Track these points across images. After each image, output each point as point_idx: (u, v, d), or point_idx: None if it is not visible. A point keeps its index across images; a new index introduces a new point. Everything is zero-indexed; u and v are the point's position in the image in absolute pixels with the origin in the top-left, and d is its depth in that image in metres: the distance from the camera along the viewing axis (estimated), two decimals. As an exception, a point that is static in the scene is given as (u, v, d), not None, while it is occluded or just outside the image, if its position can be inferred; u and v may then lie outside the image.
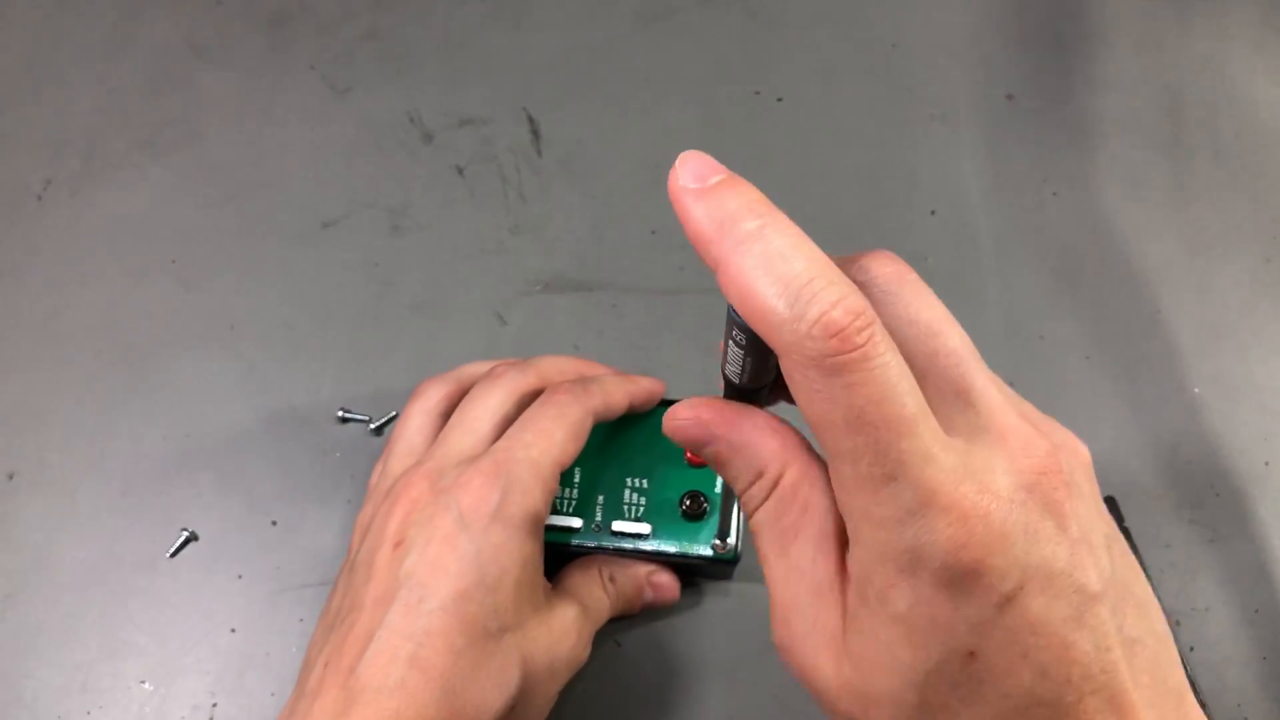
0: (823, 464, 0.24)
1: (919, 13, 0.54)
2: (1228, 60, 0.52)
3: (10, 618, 0.40)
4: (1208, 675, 0.40)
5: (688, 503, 0.38)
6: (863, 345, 0.20)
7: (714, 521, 0.38)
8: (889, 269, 0.24)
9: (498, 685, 0.31)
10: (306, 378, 0.45)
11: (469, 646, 0.30)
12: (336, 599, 0.33)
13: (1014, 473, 0.22)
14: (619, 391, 0.37)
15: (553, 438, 0.34)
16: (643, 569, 0.39)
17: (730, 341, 0.24)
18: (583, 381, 0.36)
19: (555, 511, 0.39)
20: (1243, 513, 0.43)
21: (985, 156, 0.50)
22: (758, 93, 0.52)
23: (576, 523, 0.38)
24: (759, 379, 0.25)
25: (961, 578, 0.20)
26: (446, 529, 0.31)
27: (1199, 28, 0.53)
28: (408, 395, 0.39)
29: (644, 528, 0.38)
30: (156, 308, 0.46)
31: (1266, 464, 0.44)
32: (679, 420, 0.26)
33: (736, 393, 0.26)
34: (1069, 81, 0.52)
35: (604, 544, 0.38)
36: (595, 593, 0.37)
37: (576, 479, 0.39)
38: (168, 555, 0.42)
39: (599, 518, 0.39)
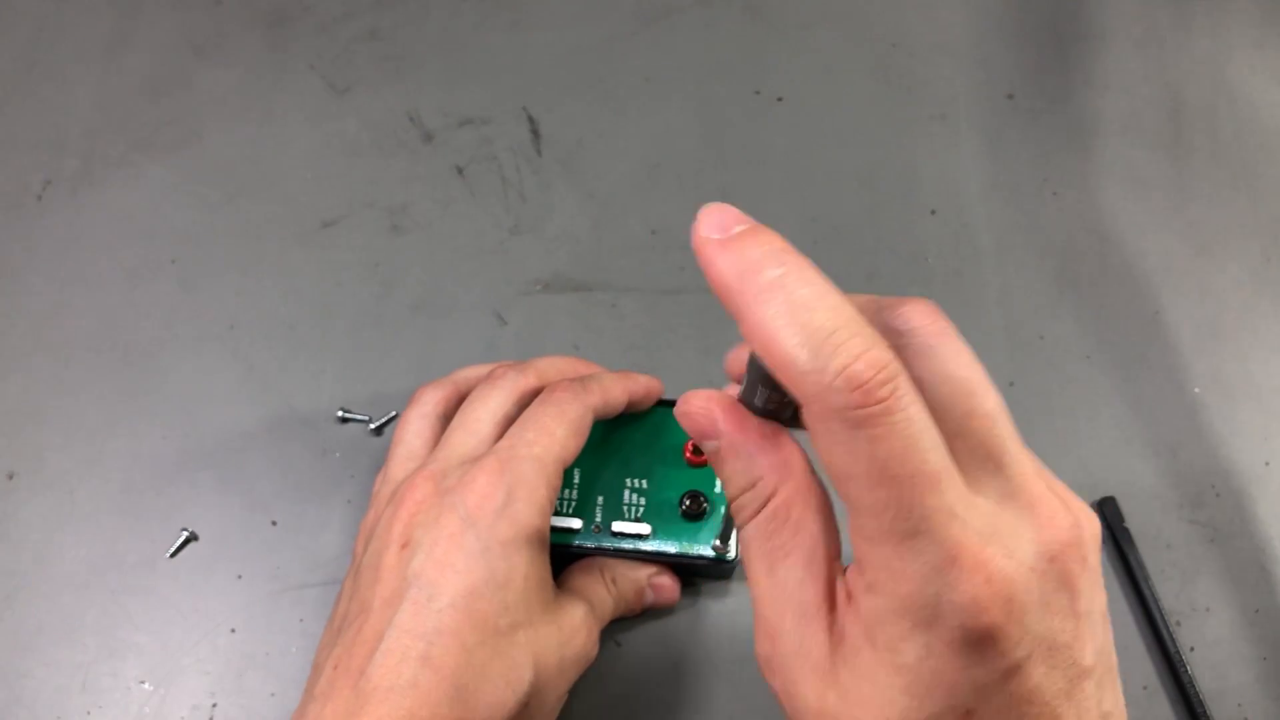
0: (821, 487, 0.24)
1: (919, 13, 0.54)
2: (1228, 60, 0.52)
3: (10, 618, 0.40)
4: (1208, 675, 0.40)
5: (688, 503, 0.38)
6: (886, 399, 0.20)
7: (714, 522, 0.38)
8: (929, 322, 0.23)
9: (510, 683, 0.30)
10: (306, 378, 0.45)
11: (480, 644, 0.30)
12: (343, 603, 0.33)
13: (1039, 543, 0.21)
14: (617, 389, 0.37)
15: (554, 435, 0.34)
16: (644, 570, 0.39)
17: (749, 379, 0.24)
18: (581, 379, 0.36)
19: (555, 512, 0.39)
20: (1243, 513, 0.43)
21: (985, 156, 0.50)
22: (758, 93, 0.52)
23: (576, 523, 0.38)
24: (777, 415, 0.25)
25: (978, 640, 0.20)
26: (453, 528, 0.31)
27: (1199, 28, 0.53)
28: (408, 395, 0.39)
29: (644, 528, 0.38)
30: (156, 308, 0.46)
31: (1266, 464, 0.44)
32: (691, 407, 0.26)
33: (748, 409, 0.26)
34: (1069, 81, 0.52)
35: (604, 545, 0.38)
36: (599, 592, 0.37)
37: (576, 480, 0.39)
38: (168, 555, 0.41)
39: (599, 518, 0.39)
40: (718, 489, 0.39)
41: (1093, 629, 0.22)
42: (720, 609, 0.41)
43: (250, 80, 0.52)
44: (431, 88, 0.51)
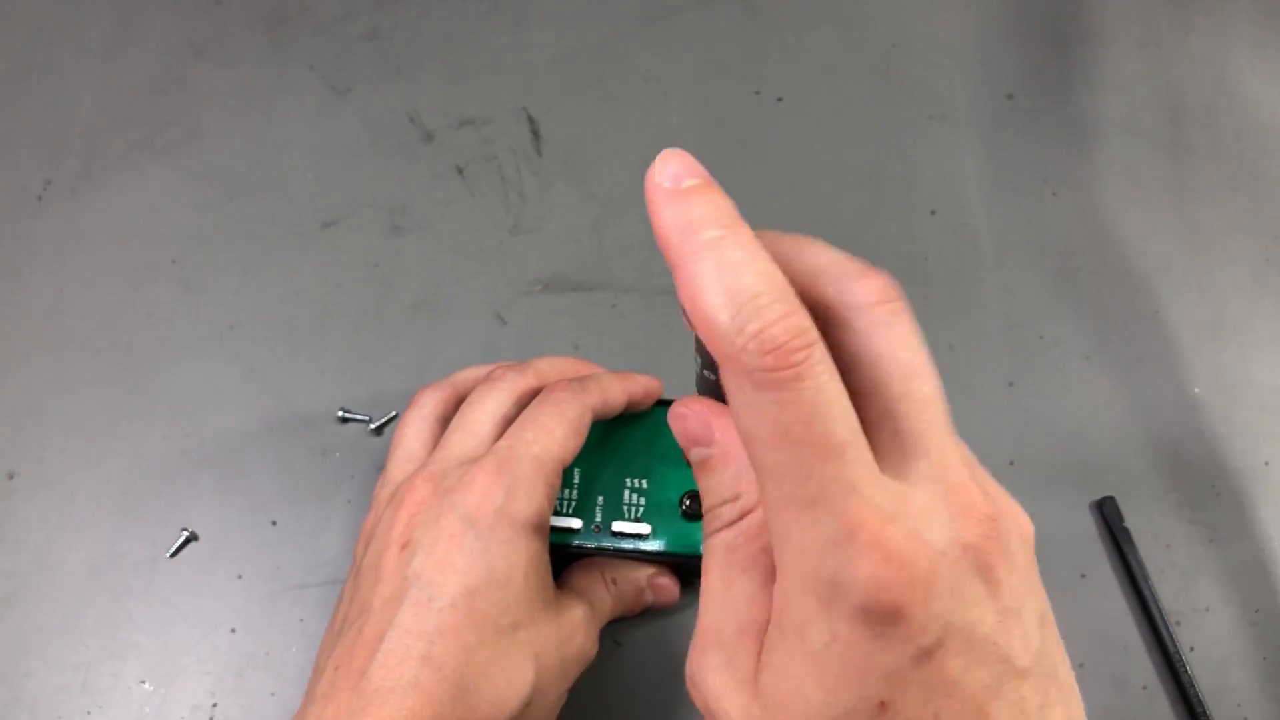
0: None
1: (919, 13, 0.54)
2: (1228, 60, 0.52)
3: (10, 618, 0.40)
4: (1208, 675, 0.40)
5: (687, 503, 0.38)
6: (798, 365, 0.20)
7: (714, 521, 0.38)
8: (883, 300, 0.24)
9: (512, 682, 0.30)
10: (306, 378, 0.45)
11: (482, 643, 0.30)
12: (344, 605, 0.33)
13: (952, 528, 0.21)
14: (616, 389, 0.37)
15: (553, 434, 0.34)
16: (643, 571, 0.39)
17: (696, 346, 0.24)
18: (580, 379, 0.36)
19: (555, 512, 0.39)
20: (1243, 513, 0.43)
21: (985, 156, 0.50)
22: (758, 93, 0.52)
23: (576, 523, 0.38)
24: (711, 393, 0.25)
25: (880, 619, 0.20)
26: (453, 528, 0.31)
27: (1199, 28, 0.53)
28: (409, 395, 0.39)
29: (644, 528, 0.38)
30: (157, 308, 0.46)
31: (1266, 464, 0.44)
32: (686, 411, 0.26)
33: (709, 391, 0.26)
34: (1069, 81, 0.52)
35: (604, 545, 0.38)
36: (599, 591, 0.37)
37: (576, 480, 0.39)
38: (168, 555, 0.42)
39: (599, 518, 0.39)
40: (718, 489, 0.39)
41: (1024, 628, 0.21)
42: (720, 609, 0.41)
43: (250, 80, 0.52)
44: (432, 88, 0.51)
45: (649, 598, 0.39)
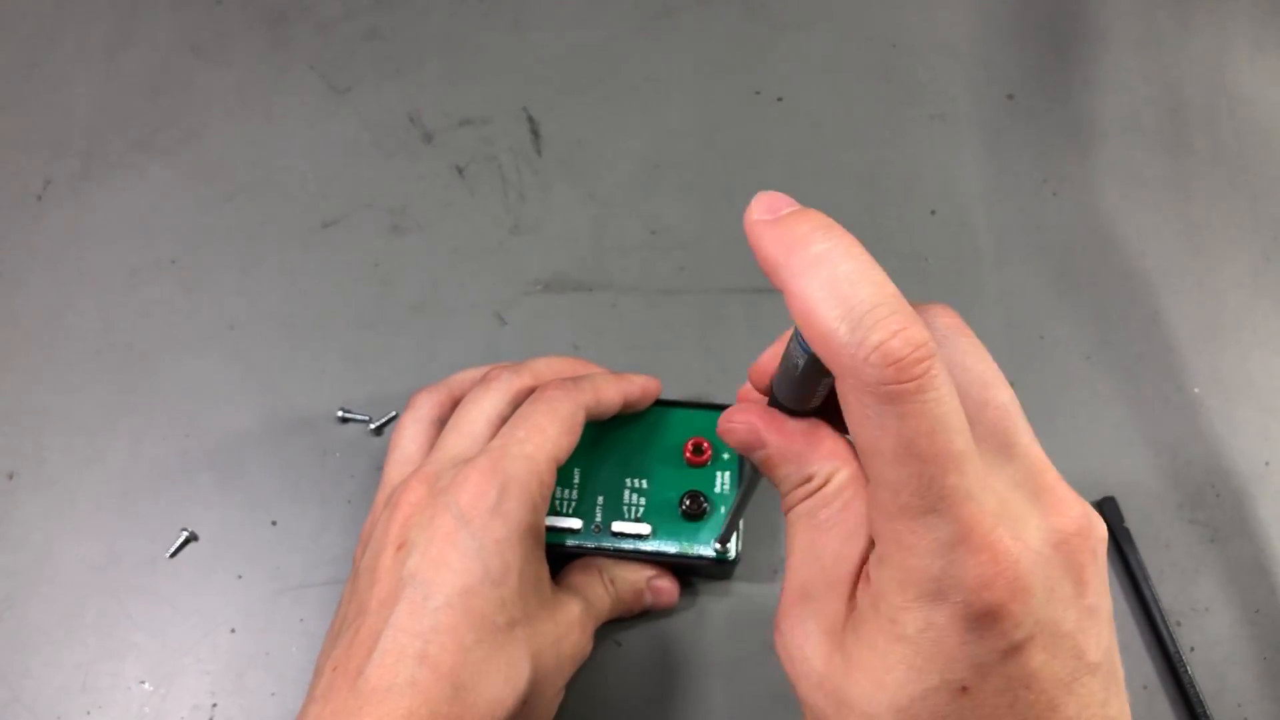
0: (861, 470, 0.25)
1: (919, 12, 0.54)
2: (1227, 60, 0.52)
3: (10, 618, 0.40)
4: (1208, 675, 0.40)
5: (687, 503, 0.38)
6: (919, 377, 0.20)
7: (714, 521, 0.38)
8: (950, 320, 0.25)
9: (509, 680, 0.31)
10: (306, 378, 0.45)
11: (478, 642, 0.30)
12: (343, 607, 0.34)
13: (1047, 529, 0.22)
14: (611, 388, 0.37)
15: (546, 433, 0.34)
16: (643, 572, 0.39)
17: (785, 364, 0.24)
18: (575, 378, 0.37)
19: (555, 512, 0.39)
20: (1243, 513, 0.43)
21: (985, 156, 0.50)
22: (758, 93, 0.52)
23: (576, 523, 0.38)
24: (805, 404, 0.25)
25: (979, 616, 0.21)
26: (447, 528, 0.31)
27: (1199, 28, 0.53)
28: (408, 395, 0.39)
29: (644, 528, 0.38)
30: (156, 308, 0.46)
31: (1266, 464, 0.44)
32: (733, 424, 0.26)
33: (782, 412, 0.27)
34: (1069, 81, 0.52)
35: (604, 544, 0.38)
36: (597, 590, 0.37)
37: (576, 480, 0.39)
38: (168, 555, 0.42)
39: (599, 518, 0.39)
40: (717, 489, 0.39)
41: (1098, 626, 0.22)
42: (720, 609, 0.41)
43: (250, 80, 0.52)
44: (432, 88, 0.51)
45: (648, 599, 0.39)
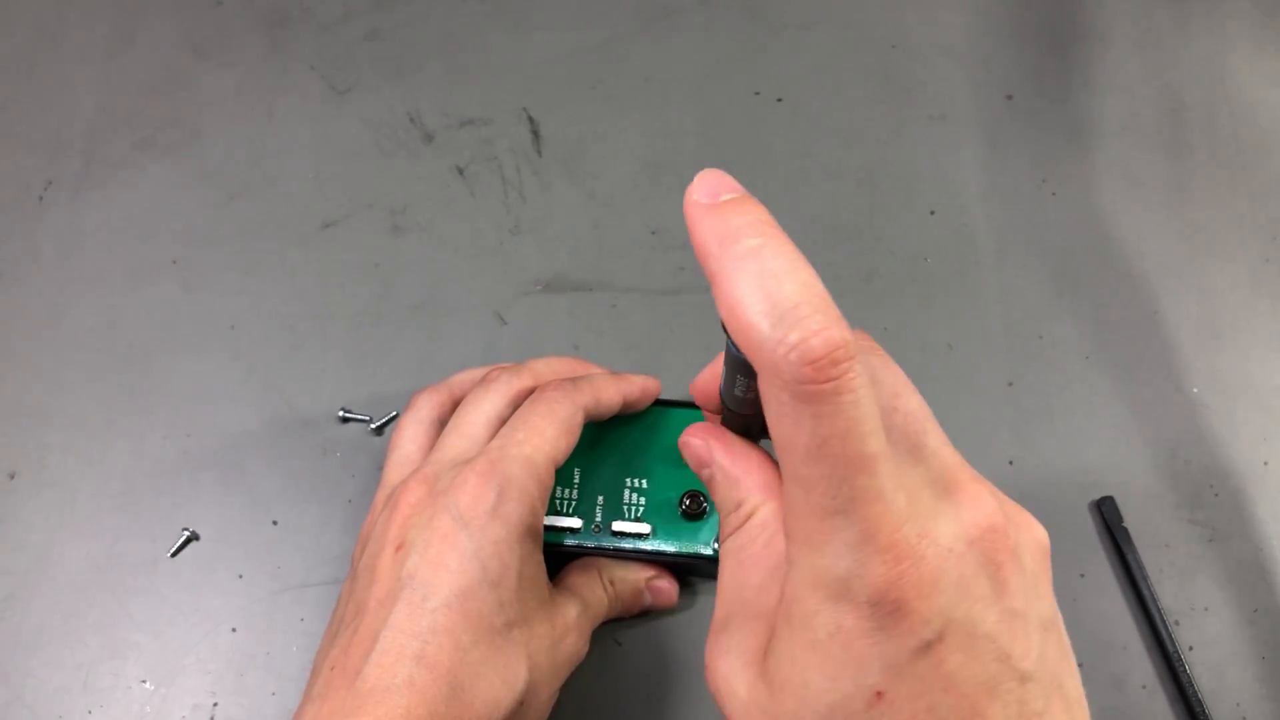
0: None
1: (918, 13, 0.54)
2: (1227, 61, 0.53)
3: (10, 618, 0.41)
4: (1208, 675, 0.40)
5: (687, 502, 0.38)
6: (837, 378, 0.20)
7: (714, 521, 0.38)
8: (861, 339, 0.25)
9: (506, 681, 0.31)
10: (307, 378, 0.45)
11: (475, 643, 0.30)
12: (341, 607, 0.34)
13: (958, 524, 0.22)
14: (610, 389, 0.37)
15: (545, 434, 0.34)
16: (642, 573, 0.39)
17: (726, 356, 0.25)
18: (574, 379, 0.37)
19: (555, 512, 0.39)
20: (1242, 512, 0.43)
21: (985, 157, 0.50)
22: (758, 93, 0.52)
23: (576, 523, 0.38)
24: (739, 405, 0.26)
25: (885, 614, 0.21)
26: (446, 528, 0.31)
27: (1198, 28, 0.53)
28: (409, 395, 0.39)
29: (644, 528, 0.38)
30: (157, 308, 0.46)
31: (1265, 464, 0.44)
32: (691, 440, 0.27)
33: (731, 416, 0.27)
34: (1068, 82, 0.52)
35: (604, 544, 0.38)
36: (595, 591, 0.37)
37: (576, 479, 0.39)
38: (168, 555, 0.42)
39: (599, 518, 0.39)
40: (717, 489, 0.39)
41: (1027, 631, 0.22)
42: (720, 608, 0.41)
43: (251, 81, 0.52)
44: (432, 88, 0.51)
45: (647, 599, 0.39)
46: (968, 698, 0.21)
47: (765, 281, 0.21)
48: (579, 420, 0.35)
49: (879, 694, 0.21)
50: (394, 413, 0.44)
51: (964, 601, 0.21)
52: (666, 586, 0.39)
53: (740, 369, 0.24)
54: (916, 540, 0.21)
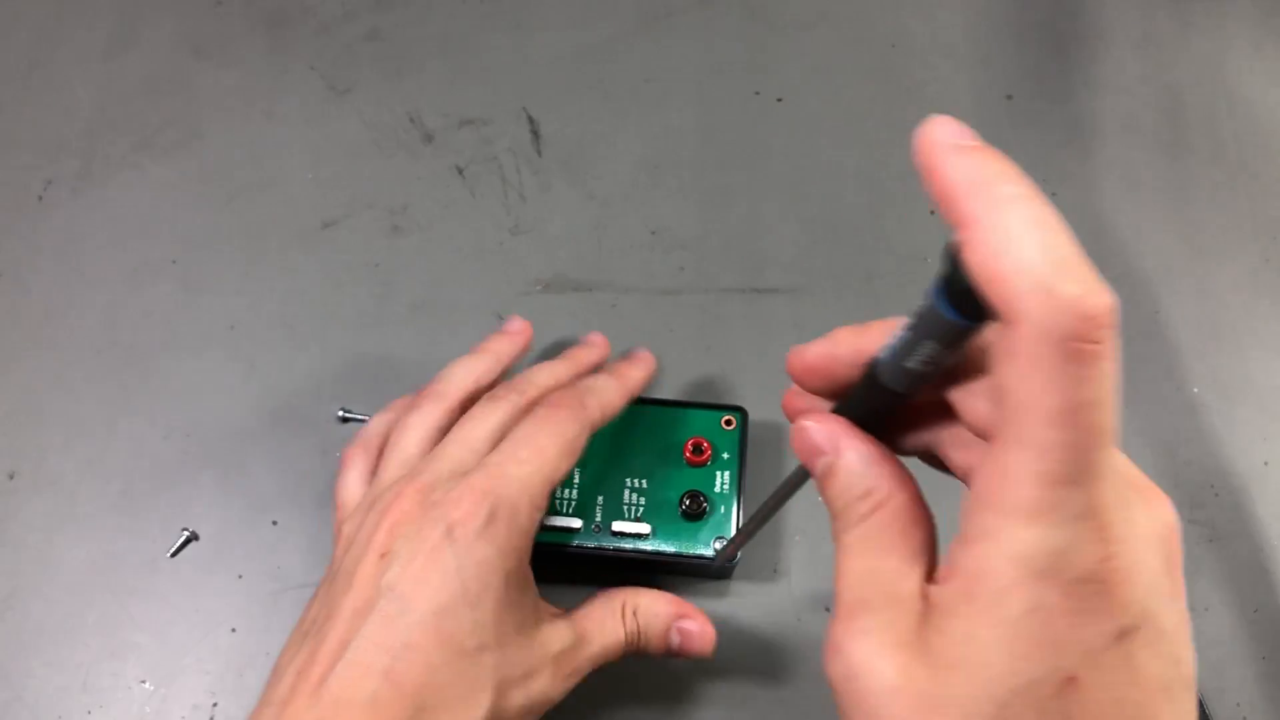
0: (928, 507, 0.24)
1: (918, 13, 0.54)
2: (1227, 61, 0.53)
3: (10, 618, 0.41)
4: (1208, 675, 0.40)
5: (687, 502, 0.38)
6: (1102, 342, 0.19)
7: (714, 521, 0.39)
8: None
9: (472, 704, 0.30)
10: (306, 378, 0.45)
11: (445, 664, 0.30)
12: (314, 608, 0.33)
13: (1149, 518, 0.22)
14: (617, 397, 0.37)
15: (546, 455, 0.33)
16: (672, 609, 0.36)
17: (916, 321, 0.22)
18: (581, 391, 0.36)
19: (555, 512, 0.39)
20: (1241, 512, 0.43)
21: (985, 157, 0.50)
22: (758, 93, 0.52)
23: (576, 523, 0.38)
24: (911, 379, 0.23)
25: (1090, 594, 0.20)
26: (434, 542, 0.31)
27: (1198, 28, 0.53)
28: (409, 395, 0.39)
29: (644, 528, 0.38)
30: (157, 308, 0.46)
31: (1265, 464, 0.44)
32: (810, 426, 0.25)
33: (854, 405, 0.25)
34: (1068, 82, 0.52)
35: (604, 544, 0.38)
36: (608, 623, 0.35)
37: (577, 479, 0.39)
38: (168, 555, 0.42)
39: (599, 518, 0.39)
40: (717, 489, 0.39)
41: (1190, 638, 0.21)
42: (720, 609, 0.41)
43: (251, 81, 0.52)
44: (432, 88, 0.51)
45: (675, 641, 0.36)
46: (1149, 696, 0.20)
47: (1039, 228, 0.19)
48: (584, 441, 0.35)
49: (1071, 679, 0.20)
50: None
51: (1154, 595, 0.20)
52: (696, 631, 0.36)
53: (937, 334, 0.22)
54: (1123, 525, 0.20)
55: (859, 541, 0.24)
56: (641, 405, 0.41)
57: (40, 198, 0.49)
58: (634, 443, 0.40)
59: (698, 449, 0.39)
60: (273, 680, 0.31)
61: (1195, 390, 0.45)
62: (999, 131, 0.50)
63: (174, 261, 0.47)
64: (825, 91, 0.52)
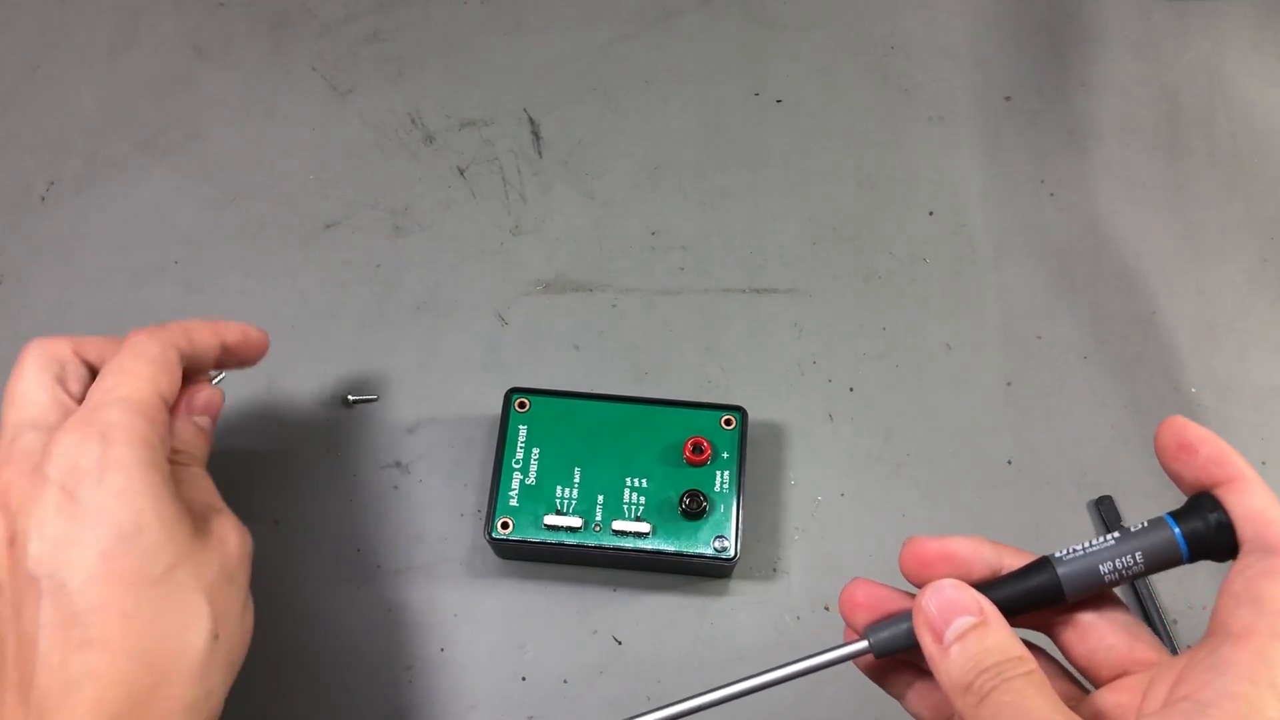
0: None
1: (917, 14, 0.54)
2: (1224, 62, 0.53)
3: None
4: (1204, 673, 0.40)
5: (687, 502, 0.38)
6: None
7: (714, 521, 0.39)
8: None
9: (188, 625, 0.29)
10: (308, 378, 0.45)
11: (142, 602, 0.28)
12: None
13: None
14: (203, 329, 0.35)
15: (138, 374, 0.32)
16: (213, 340, 0.36)
17: (1123, 546, 0.28)
18: (159, 325, 0.34)
19: (556, 511, 0.39)
20: (1239, 512, 0.43)
21: (983, 158, 0.50)
22: (757, 94, 0.52)
23: (576, 522, 0.39)
24: (1093, 588, 0.28)
25: None
26: (57, 501, 0.29)
27: (1196, 30, 0.54)
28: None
29: (644, 527, 0.38)
30: (159, 308, 0.46)
31: (1264, 464, 0.44)
32: (955, 592, 0.27)
33: (1033, 594, 0.27)
34: (1067, 83, 0.52)
35: (604, 543, 0.38)
36: (189, 437, 0.35)
37: (576, 479, 0.39)
38: (170, 554, 0.42)
39: (599, 517, 0.39)
40: (717, 488, 0.39)
41: None
42: (720, 609, 0.41)
43: (253, 82, 0.52)
44: (433, 90, 0.52)
45: (231, 336, 0.36)
46: None
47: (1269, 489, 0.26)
48: (173, 357, 0.33)
49: None
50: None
51: None
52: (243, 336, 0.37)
53: (1151, 557, 0.28)
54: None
55: (1031, 689, 0.25)
56: (641, 405, 0.41)
57: (43, 198, 0.49)
58: (634, 442, 0.40)
59: (697, 449, 0.39)
60: None
61: (1193, 390, 0.45)
62: (999, 132, 0.51)
63: (176, 262, 0.47)
64: (825, 92, 0.52)
